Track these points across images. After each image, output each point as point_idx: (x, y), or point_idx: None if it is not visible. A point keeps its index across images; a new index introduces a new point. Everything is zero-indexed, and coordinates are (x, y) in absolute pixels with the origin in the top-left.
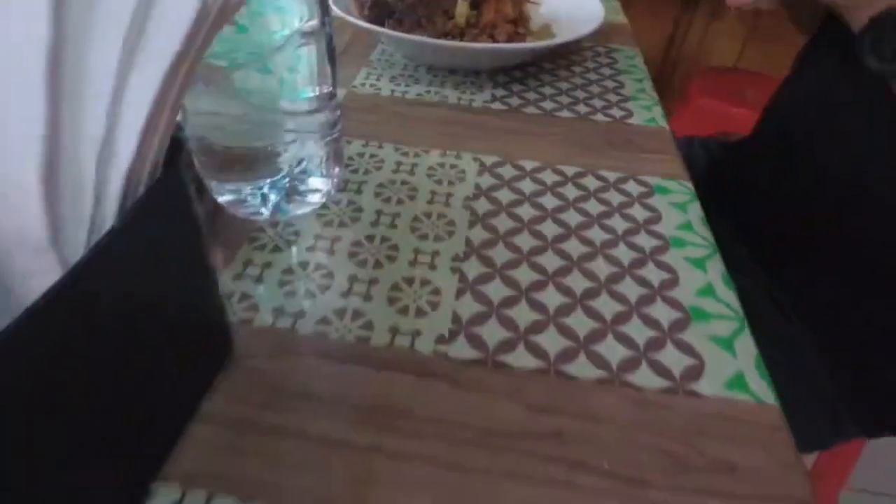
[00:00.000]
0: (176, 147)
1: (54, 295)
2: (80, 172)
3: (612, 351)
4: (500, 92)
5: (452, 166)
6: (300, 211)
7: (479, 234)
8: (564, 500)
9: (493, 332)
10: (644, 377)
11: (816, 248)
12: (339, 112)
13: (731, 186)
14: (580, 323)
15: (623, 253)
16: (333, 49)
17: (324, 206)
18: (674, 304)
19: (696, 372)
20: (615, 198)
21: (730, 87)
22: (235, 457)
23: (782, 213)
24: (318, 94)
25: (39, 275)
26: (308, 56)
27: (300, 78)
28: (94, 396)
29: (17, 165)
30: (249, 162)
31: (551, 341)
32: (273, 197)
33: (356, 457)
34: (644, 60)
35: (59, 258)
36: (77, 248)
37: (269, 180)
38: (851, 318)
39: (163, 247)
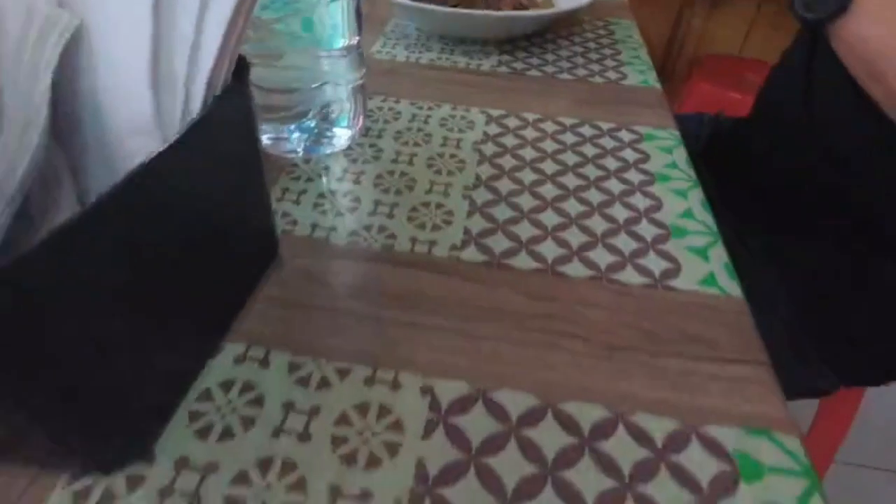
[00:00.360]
0: (242, 64)
1: (150, 166)
2: (175, 67)
3: (602, 257)
4: (505, 58)
5: (462, 117)
6: (329, 151)
7: (486, 171)
8: (552, 358)
9: (499, 242)
10: (628, 276)
11: (790, 204)
12: (364, 63)
13: (721, 150)
14: (574, 236)
15: (614, 185)
16: (360, 5)
17: (349, 148)
18: (657, 223)
19: (673, 272)
20: (609, 143)
21: (731, 74)
22: (286, 325)
23: (763, 172)
24: (347, 44)
25: (146, 156)
26: (340, 9)
27: (333, 29)
28: (177, 266)
29: (131, 59)
30: (287, 104)
31: (549, 250)
32: (305, 137)
33: (382, 326)
34: (647, 50)
35: (162, 141)
36: (173, 134)
37: (303, 121)
38: (819, 268)
39: (231, 145)
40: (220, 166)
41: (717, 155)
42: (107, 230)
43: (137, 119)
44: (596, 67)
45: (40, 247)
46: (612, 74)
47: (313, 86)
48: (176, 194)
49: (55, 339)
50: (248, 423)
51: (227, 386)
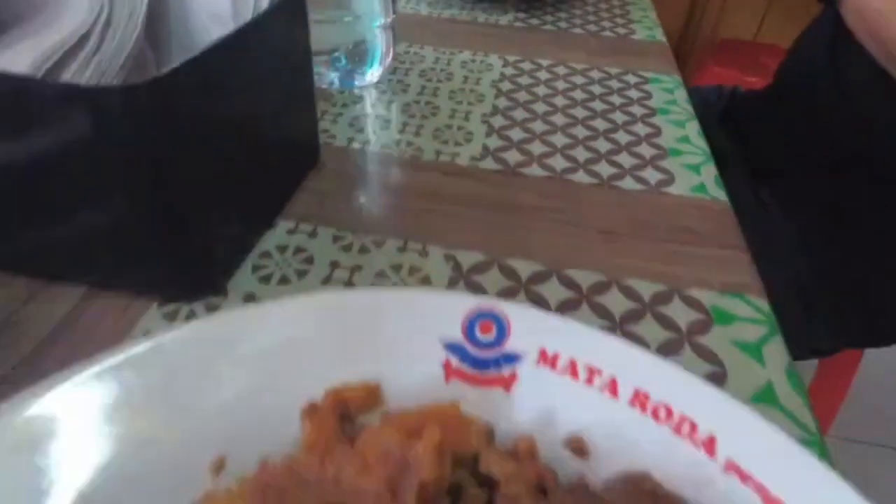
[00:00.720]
0: None
1: (221, 44)
2: None
3: (605, 169)
4: (521, 15)
5: (481, 61)
6: (360, 84)
7: (503, 103)
8: (558, 240)
9: (513, 156)
10: (628, 183)
11: (803, 156)
12: (393, 6)
13: (741, 114)
14: (581, 154)
15: (618, 117)
16: None
17: (378, 83)
18: (656, 146)
19: (667, 182)
20: (615, 84)
21: (746, 58)
22: (328, 209)
23: (786, 134)
24: None
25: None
26: None
27: None
28: (242, 140)
29: None
30: (324, 36)
31: (558, 163)
32: (339, 72)
33: (410, 212)
34: (663, 33)
35: None
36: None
37: (337, 54)
38: (836, 224)
39: (287, 44)
40: (278, 61)
41: (736, 118)
42: (194, 89)
43: (218, 9)
44: (606, 24)
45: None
46: (621, 30)
47: (346, 19)
48: (243, 75)
49: (179, 157)
50: (302, 274)
51: (282, 249)
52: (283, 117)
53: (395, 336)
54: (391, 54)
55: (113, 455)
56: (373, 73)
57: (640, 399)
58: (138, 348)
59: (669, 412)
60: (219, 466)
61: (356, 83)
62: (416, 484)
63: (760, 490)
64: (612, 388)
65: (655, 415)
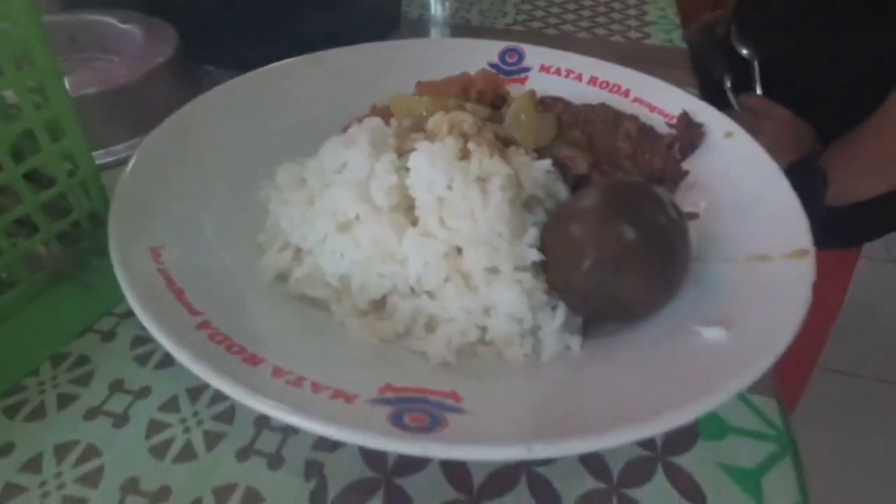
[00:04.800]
0: None
1: None
2: None
3: None
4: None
5: None
6: None
7: None
8: None
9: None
10: None
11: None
12: None
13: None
14: None
15: None
16: None
17: None
18: None
19: None
20: None
21: None
22: None
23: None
24: None
25: None
26: None
27: None
28: None
29: None
30: None
31: None
32: None
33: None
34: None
35: None
36: None
37: None
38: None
39: None
40: None
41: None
42: None
43: None
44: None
45: None
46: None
47: None
48: None
49: None
50: None
51: None
52: None
53: (458, 60)
54: None
55: None
56: None
57: (594, 82)
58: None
59: (607, 83)
60: None
61: None
62: (475, 91)
63: (653, 109)
64: (579, 77)
65: (602, 86)
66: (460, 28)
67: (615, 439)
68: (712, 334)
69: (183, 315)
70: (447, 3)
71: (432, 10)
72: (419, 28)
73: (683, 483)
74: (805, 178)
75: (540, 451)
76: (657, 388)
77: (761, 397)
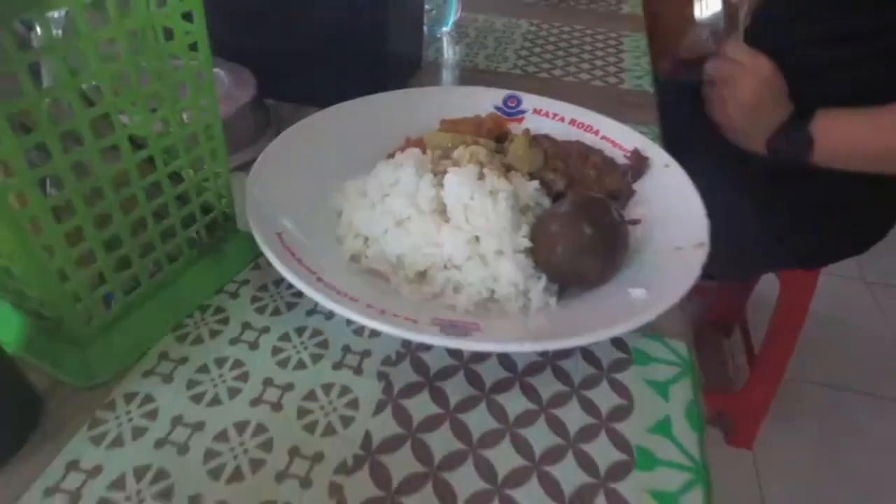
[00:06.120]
0: None
1: None
2: None
3: None
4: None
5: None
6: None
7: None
8: None
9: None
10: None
11: None
12: None
13: None
14: None
15: None
16: None
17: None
18: None
19: None
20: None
21: None
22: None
23: None
24: None
25: None
26: None
27: None
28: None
29: None
30: None
31: None
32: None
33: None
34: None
35: None
36: None
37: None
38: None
39: None
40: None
41: None
42: None
43: None
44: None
45: None
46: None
47: None
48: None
49: None
50: None
51: None
52: (409, 36)
53: (471, 103)
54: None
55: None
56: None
57: (573, 123)
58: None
59: (582, 124)
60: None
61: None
62: (486, 130)
63: (615, 145)
64: (562, 119)
65: (578, 126)
66: (469, 70)
67: (574, 342)
68: (638, 294)
69: (306, 273)
70: (458, 49)
71: (445, 55)
72: (436, 69)
73: None
74: (795, 137)
75: (528, 346)
76: (601, 321)
77: (687, 433)
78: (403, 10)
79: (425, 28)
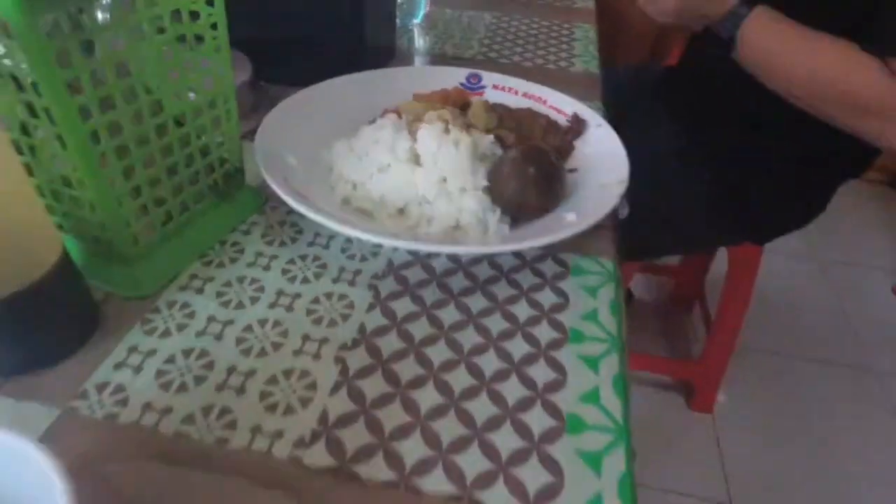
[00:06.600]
0: None
1: None
2: None
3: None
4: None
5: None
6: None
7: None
8: None
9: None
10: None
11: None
12: None
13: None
14: None
15: None
16: None
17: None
18: None
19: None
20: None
21: None
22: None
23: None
24: None
25: None
26: None
27: None
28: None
29: None
30: None
31: None
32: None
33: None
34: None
35: None
36: None
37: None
38: (733, 153)
39: None
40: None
41: (665, 89)
42: None
43: None
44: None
45: None
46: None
47: None
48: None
49: None
50: None
51: None
52: (384, 26)
53: (439, 80)
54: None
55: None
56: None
57: (526, 95)
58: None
59: (533, 96)
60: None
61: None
62: (451, 101)
63: (559, 112)
64: (516, 92)
65: (530, 98)
66: (438, 57)
67: (520, 246)
68: (570, 216)
69: (311, 204)
70: (427, 38)
71: (417, 44)
72: (408, 57)
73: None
74: (723, 32)
75: (486, 249)
76: (540, 234)
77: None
78: (378, 4)
79: (398, 20)
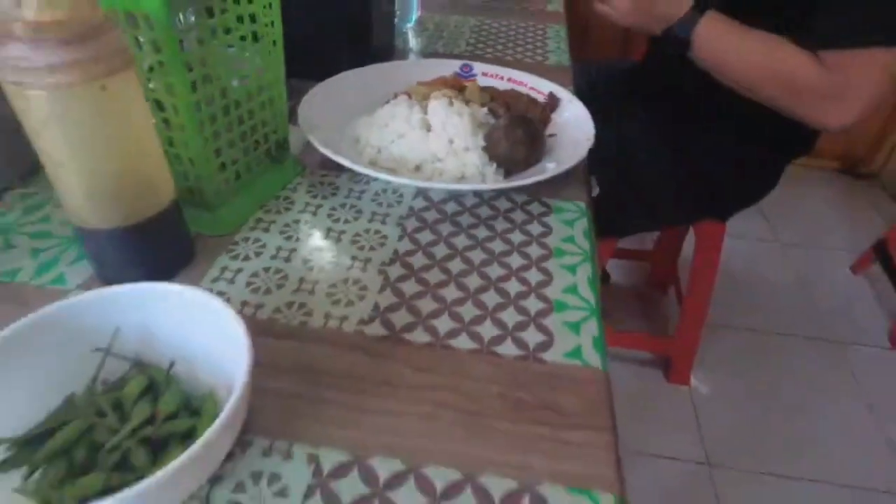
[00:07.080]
0: None
1: None
2: None
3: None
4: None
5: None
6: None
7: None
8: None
9: None
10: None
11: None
12: None
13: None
14: None
15: None
16: None
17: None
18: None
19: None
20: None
21: None
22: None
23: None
24: None
25: None
26: None
27: None
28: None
29: None
30: None
31: None
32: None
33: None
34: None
35: None
36: None
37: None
38: (693, 139)
39: None
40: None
41: (634, 82)
42: None
43: None
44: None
45: None
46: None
47: None
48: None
49: None
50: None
51: None
52: (384, 28)
53: (437, 70)
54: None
55: None
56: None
57: (510, 80)
58: None
59: (517, 81)
60: None
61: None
62: (449, 85)
63: (539, 93)
64: (502, 78)
65: (513, 82)
66: (430, 55)
67: (511, 185)
68: (551, 165)
69: (348, 160)
70: (420, 39)
71: (411, 44)
72: (405, 55)
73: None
74: (679, 34)
75: (487, 186)
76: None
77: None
78: (380, 8)
79: (396, 22)
